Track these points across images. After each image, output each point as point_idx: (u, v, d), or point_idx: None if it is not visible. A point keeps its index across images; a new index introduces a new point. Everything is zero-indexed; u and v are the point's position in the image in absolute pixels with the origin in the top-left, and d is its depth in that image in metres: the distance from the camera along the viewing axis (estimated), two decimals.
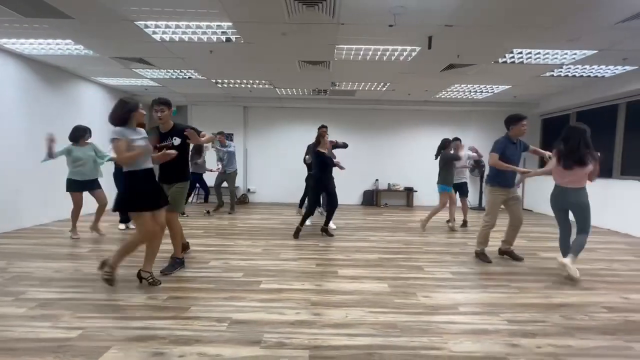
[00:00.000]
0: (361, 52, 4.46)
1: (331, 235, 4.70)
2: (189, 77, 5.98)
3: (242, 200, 8.21)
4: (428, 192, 8.44)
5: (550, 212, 3.45)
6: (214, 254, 3.73)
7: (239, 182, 8.30)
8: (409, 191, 8.33)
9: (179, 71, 5.59)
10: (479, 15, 3.29)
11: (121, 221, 4.93)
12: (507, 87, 6.33)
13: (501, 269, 3.40)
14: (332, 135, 7.89)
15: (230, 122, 8.29)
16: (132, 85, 6.70)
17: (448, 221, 5.52)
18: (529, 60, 4.64)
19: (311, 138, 8.19)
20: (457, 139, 5.38)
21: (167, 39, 4.09)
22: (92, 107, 6.37)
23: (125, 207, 2.74)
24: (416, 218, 6.50)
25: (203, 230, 5.02)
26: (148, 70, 5.50)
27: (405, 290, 2.76)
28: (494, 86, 6.34)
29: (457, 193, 5.55)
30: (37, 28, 3.83)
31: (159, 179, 2.95)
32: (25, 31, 3.93)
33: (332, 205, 4.75)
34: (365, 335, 2.02)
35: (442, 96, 7.26)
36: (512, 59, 4.65)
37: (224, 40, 4.04)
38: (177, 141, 2.99)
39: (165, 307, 2.36)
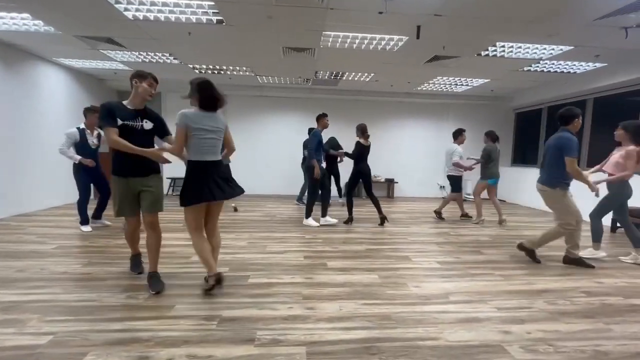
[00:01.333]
0: (348, 40, 4.35)
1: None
2: (164, 62, 5.62)
3: None
4: (408, 184, 8.62)
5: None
6: None
7: None
8: (390, 182, 8.42)
9: (152, 54, 5.22)
10: (468, 5, 3.28)
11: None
12: (485, 80, 6.48)
13: (484, 257, 3.50)
14: (311, 125, 7.78)
15: None
16: (100, 69, 6.21)
17: (463, 216, 5.59)
18: (510, 54, 4.75)
19: (293, 128, 8.14)
20: (464, 130, 5.42)
21: (141, 18, 3.77)
22: (53, 91, 5.83)
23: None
24: (398, 209, 6.58)
25: (183, 223, 4.78)
26: (118, 52, 5.09)
27: (396, 281, 2.76)
28: (473, 79, 6.46)
29: (451, 187, 5.52)
30: None
31: (125, 169, 2.44)
32: None
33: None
34: (361, 328, 1.98)
35: (424, 89, 7.34)
36: (495, 52, 4.73)
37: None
38: (148, 125, 2.51)
39: (146, 306, 2.20)
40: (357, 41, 4.37)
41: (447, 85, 7.03)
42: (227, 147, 2.70)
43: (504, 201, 8.13)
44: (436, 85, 7.04)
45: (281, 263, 3.15)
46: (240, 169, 8.28)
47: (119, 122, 2.36)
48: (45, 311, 2.09)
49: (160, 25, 3.95)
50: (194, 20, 3.82)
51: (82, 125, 4.07)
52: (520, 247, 3.42)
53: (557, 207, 3.21)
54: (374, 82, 6.77)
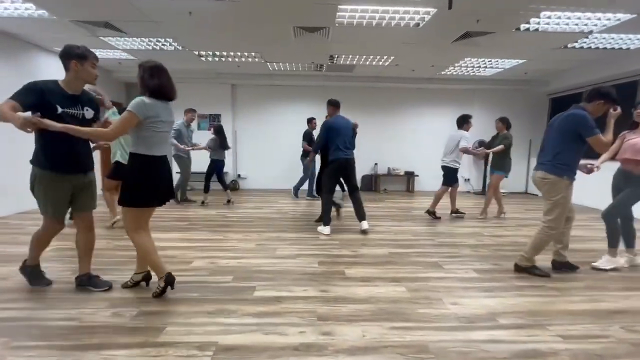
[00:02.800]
0: (367, 15, 3.84)
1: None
2: (167, 49, 5.26)
3: (232, 187, 7.63)
4: (430, 177, 8.04)
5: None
6: (199, 251, 3.21)
7: (227, 166, 7.72)
8: (410, 176, 7.88)
9: (154, 40, 4.87)
10: None
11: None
12: (519, 62, 5.81)
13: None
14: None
15: (216, 102, 7.60)
16: (103, 59, 5.90)
17: (455, 212, 5.11)
18: (556, 27, 4.10)
19: (303, 117, 7.64)
20: (470, 117, 4.88)
21: None
22: None
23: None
24: (419, 205, 6.08)
25: (187, 222, 4.48)
26: (119, 38, 4.76)
27: (428, 296, 2.31)
28: (505, 61, 5.80)
29: (445, 179, 4.93)
30: None
31: (66, 164, 2.10)
32: None
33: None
34: None
35: (448, 73, 6.71)
36: (537, 26, 4.10)
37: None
38: (89, 113, 2.19)
39: (133, 327, 1.85)
40: (377, 16, 3.85)
41: (474, 69, 6.38)
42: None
43: (535, 195, 7.46)
44: (462, 69, 6.40)
45: (292, 270, 2.76)
46: (250, 163, 7.96)
47: (59, 109, 1.99)
48: (15, 333, 1.77)
49: (159, 4, 3.56)
50: None
51: None
52: (519, 268, 2.77)
53: (556, 201, 2.57)
54: (393, 66, 6.21)
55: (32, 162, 2.11)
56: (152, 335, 1.77)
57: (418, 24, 4.10)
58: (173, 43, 5.00)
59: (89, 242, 2.32)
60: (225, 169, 7.62)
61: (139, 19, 4.02)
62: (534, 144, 7.71)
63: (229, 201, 5.74)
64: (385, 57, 5.60)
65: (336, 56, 5.61)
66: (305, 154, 6.19)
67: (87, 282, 2.31)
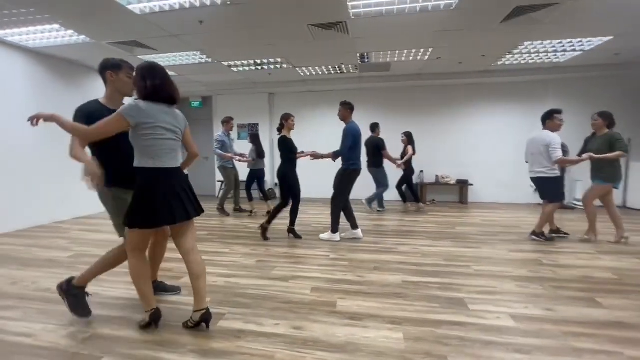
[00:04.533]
0: (384, 2, 3.34)
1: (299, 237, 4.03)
2: (199, 62, 5.45)
3: (268, 196, 7.60)
4: (488, 186, 6.89)
5: None
6: None
7: (265, 175, 7.73)
8: (463, 185, 6.85)
9: (184, 54, 5.06)
10: None
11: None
12: (604, 39, 4.55)
13: (602, 312, 2.11)
14: (364, 119, 6.86)
15: (255, 111, 7.71)
16: None
17: (555, 232, 4.01)
18: None
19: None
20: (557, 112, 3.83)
21: (147, 11, 3.48)
22: None
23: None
24: (469, 220, 5.15)
25: (206, 232, 4.45)
26: (152, 55, 5.07)
27: (430, 351, 1.72)
28: (584, 40, 4.60)
29: (548, 194, 3.86)
30: (24, 13, 3.53)
31: (117, 180, 1.98)
32: (16, 18, 3.65)
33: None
34: None
35: (507, 63, 5.65)
36: None
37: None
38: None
39: (74, 353, 1.70)
40: (396, 1, 3.32)
41: (541, 55, 5.25)
42: (189, 152, 2.12)
43: (633, 209, 5.80)
44: (524, 56, 5.31)
45: (276, 297, 2.39)
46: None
47: None
48: None
49: (169, 16, 3.62)
50: (197, 5, 3.36)
51: None
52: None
53: None
54: (435, 60, 5.46)
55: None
56: None
57: (450, 6, 3.43)
58: (202, 56, 5.13)
59: (164, 251, 2.41)
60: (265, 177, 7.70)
61: (159, 35, 4.17)
62: (634, 143, 6.04)
63: (250, 212, 5.66)
64: (421, 50, 4.93)
65: (366, 54, 5.14)
66: (376, 164, 5.63)
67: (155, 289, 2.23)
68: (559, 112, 3.77)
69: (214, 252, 3.51)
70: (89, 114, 1.91)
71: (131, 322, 2.03)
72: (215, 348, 1.76)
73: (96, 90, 5.79)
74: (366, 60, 5.45)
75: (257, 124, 7.73)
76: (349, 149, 3.74)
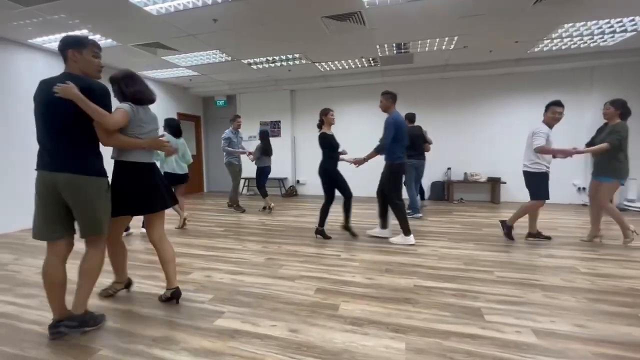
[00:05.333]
0: None
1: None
2: (219, 61, 5.53)
3: (290, 193, 7.62)
4: (522, 184, 6.35)
5: None
6: (206, 261, 3.10)
7: (287, 172, 7.75)
8: (495, 182, 6.39)
9: (204, 54, 5.16)
10: None
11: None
12: None
13: (629, 330, 1.81)
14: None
15: (277, 108, 7.73)
16: (177, 77, 6.67)
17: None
18: None
19: (366, 120, 7.03)
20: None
21: (163, 11, 3.57)
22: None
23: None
24: (499, 219, 4.76)
25: (223, 228, 4.51)
26: (175, 56, 5.22)
27: None
28: (637, 19, 4.05)
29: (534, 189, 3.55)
30: (56, 19, 3.76)
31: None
32: (47, 26, 3.91)
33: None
34: None
35: (545, 49, 5.14)
36: None
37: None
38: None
39: (72, 344, 1.75)
40: None
41: (585, 38, 4.71)
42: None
43: None
44: (565, 41, 4.80)
45: (279, 297, 2.33)
46: (309, 168, 7.78)
47: None
48: None
49: (184, 15, 3.68)
50: (209, 2, 3.37)
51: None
52: None
53: None
54: (462, 49, 5.10)
55: (96, 173, 1.80)
56: (80, 359, 1.63)
57: None
58: (221, 54, 5.20)
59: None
60: (284, 175, 7.72)
61: (178, 35, 4.27)
62: None
63: (264, 208, 5.68)
64: (446, 38, 4.61)
65: (386, 46, 4.92)
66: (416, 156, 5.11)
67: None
68: (558, 103, 3.38)
69: (227, 248, 3.53)
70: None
71: (132, 315, 2.07)
72: (207, 347, 1.72)
73: None
74: (386, 52, 5.21)
75: (279, 121, 7.76)
76: (391, 142, 3.46)
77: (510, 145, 6.31)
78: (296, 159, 7.89)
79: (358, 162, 3.74)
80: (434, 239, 3.75)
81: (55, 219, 1.77)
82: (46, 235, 1.79)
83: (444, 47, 4.96)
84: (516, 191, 6.33)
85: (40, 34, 4.20)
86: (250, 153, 5.52)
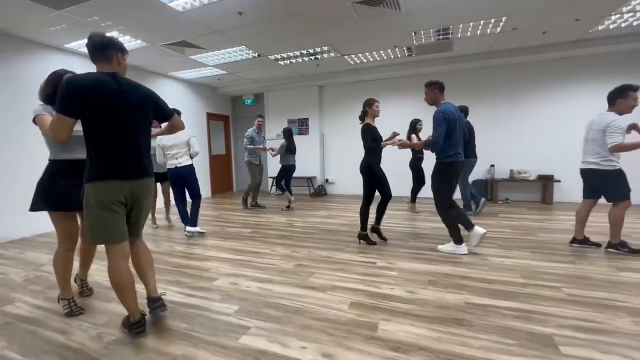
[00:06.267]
0: None
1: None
2: (247, 58, 5.41)
3: (319, 192, 7.40)
4: (579, 182, 5.63)
5: None
6: (233, 266, 2.94)
7: (315, 171, 7.54)
8: (547, 181, 5.73)
9: (231, 51, 5.05)
10: None
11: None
12: None
13: None
14: (419, 109, 6.19)
15: (305, 105, 7.52)
16: (205, 77, 6.67)
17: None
18: None
19: (400, 114, 6.60)
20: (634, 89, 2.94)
21: (189, 7, 3.45)
22: (174, 103, 6.62)
23: None
24: (556, 224, 4.20)
25: (251, 229, 4.37)
26: (203, 55, 5.16)
27: None
28: None
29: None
30: (89, 22, 3.79)
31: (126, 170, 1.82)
32: (82, 29, 3.96)
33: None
34: None
35: (610, 27, 4.46)
36: None
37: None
38: None
39: (94, 358, 1.63)
40: None
41: None
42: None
43: None
44: (638, 15, 4.11)
45: (310, 311, 2.09)
46: (338, 167, 7.50)
47: None
48: (13, 338, 1.83)
49: (209, 10, 3.55)
50: None
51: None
52: None
53: None
54: (510, 32, 4.55)
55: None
56: None
57: None
58: (247, 51, 5.07)
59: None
60: (312, 174, 7.51)
61: (204, 32, 4.17)
62: None
63: (288, 207, 5.66)
64: (492, 20, 4.12)
65: (422, 32, 4.51)
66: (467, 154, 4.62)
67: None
68: (634, 88, 2.82)
69: (254, 252, 3.37)
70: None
71: (156, 328, 1.93)
72: None
73: (162, 92, 6.17)
74: (423, 40, 4.78)
75: (307, 119, 7.55)
76: (441, 138, 2.99)
77: (565, 140, 5.62)
78: (325, 157, 7.65)
79: (403, 144, 3.41)
80: (482, 245, 3.33)
81: (124, 222, 1.81)
82: (120, 235, 1.77)
83: (489, 30, 4.45)
84: (572, 191, 5.63)
85: (75, 38, 4.29)
86: (270, 148, 5.58)
